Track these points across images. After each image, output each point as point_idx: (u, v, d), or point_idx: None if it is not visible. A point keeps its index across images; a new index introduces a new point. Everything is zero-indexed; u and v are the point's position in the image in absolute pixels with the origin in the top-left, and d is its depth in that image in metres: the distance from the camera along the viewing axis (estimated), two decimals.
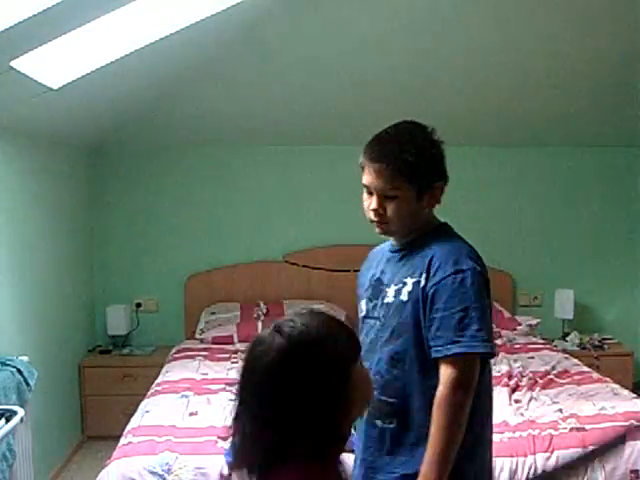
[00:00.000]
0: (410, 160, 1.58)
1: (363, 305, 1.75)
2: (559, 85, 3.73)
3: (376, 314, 1.68)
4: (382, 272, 1.71)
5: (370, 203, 1.64)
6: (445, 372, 1.52)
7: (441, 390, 1.52)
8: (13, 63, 2.20)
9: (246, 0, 2.61)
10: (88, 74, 2.67)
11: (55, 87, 2.61)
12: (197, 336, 4.13)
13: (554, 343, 4.22)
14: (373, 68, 3.47)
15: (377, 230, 1.67)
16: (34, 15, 1.90)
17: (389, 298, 1.64)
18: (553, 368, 3.46)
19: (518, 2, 3.06)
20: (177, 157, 4.40)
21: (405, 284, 1.62)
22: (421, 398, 1.58)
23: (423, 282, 1.58)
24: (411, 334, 1.59)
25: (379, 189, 1.61)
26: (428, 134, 1.64)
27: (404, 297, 1.61)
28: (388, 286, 1.66)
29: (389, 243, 1.76)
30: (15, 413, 2.24)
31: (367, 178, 1.63)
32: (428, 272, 1.58)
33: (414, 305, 1.59)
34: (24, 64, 2.26)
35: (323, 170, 4.44)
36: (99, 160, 4.34)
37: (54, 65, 2.49)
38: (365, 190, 1.65)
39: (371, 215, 1.64)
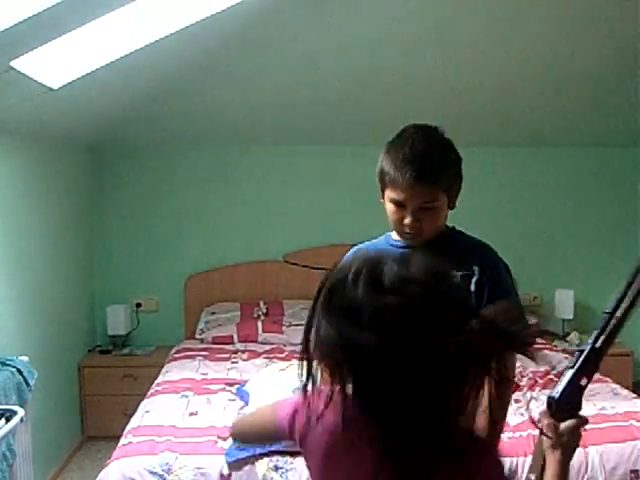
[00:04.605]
0: (449, 175, 1.59)
1: None
2: (559, 85, 3.73)
3: None
4: None
5: (402, 217, 1.56)
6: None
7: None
8: (13, 63, 2.20)
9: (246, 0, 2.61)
10: (88, 74, 2.67)
11: (55, 87, 2.61)
12: (197, 336, 4.14)
13: (554, 343, 4.22)
14: (374, 68, 3.46)
15: (407, 242, 1.60)
16: (34, 15, 1.90)
17: None
18: (553, 368, 3.46)
19: (517, 1, 3.06)
20: (177, 157, 4.40)
21: None
22: None
23: (477, 275, 1.58)
24: None
25: (416, 204, 1.54)
26: (450, 141, 1.62)
27: None
28: None
29: (384, 240, 1.72)
30: (15, 413, 2.24)
31: (401, 195, 1.54)
32: (481, 265, 1.59)
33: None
34: (24, 64, 2.26)
35: (323, 170, 4.43)
36: (99, 160, 4.34)
37: (54, 65, 2.48)
38: (393, 203, 1.57)
39: (405, 229, 1.57)
